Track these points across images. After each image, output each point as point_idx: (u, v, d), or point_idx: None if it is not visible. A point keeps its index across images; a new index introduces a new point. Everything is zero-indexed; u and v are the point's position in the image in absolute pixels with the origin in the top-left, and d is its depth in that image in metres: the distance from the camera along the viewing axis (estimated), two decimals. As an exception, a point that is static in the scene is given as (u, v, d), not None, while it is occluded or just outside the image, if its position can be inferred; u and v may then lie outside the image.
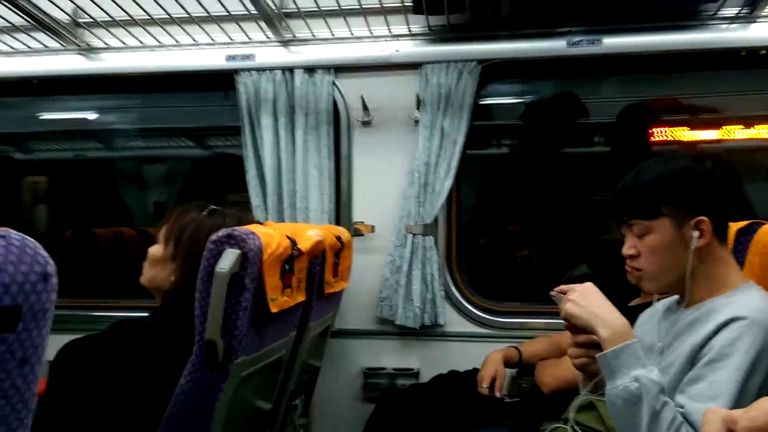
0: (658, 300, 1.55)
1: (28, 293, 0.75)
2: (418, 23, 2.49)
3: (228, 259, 1.38)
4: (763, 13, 2.34)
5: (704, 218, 1.36)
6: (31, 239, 0.80)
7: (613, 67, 2.75)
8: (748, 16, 2.36)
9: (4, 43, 2.67)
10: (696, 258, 1.37)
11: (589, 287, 1.35)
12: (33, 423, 0.84)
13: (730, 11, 2.36)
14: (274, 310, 1.55)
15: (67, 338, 1.51)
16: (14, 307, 0.73)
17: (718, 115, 2.98)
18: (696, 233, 1.36)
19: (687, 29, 2.41)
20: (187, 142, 3.46)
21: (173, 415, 1.43)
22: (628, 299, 2.12)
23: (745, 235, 1.68)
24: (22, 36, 2.64)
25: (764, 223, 1.66)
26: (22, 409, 0.78)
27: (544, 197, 3.11)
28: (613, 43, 2.43)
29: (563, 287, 1.40)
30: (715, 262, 1.41)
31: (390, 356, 2.64)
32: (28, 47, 2.69)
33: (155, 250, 1.67)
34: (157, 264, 1.65)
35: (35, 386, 0.80)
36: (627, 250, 1.44)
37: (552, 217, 3.12)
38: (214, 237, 1.42)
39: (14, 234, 0.78)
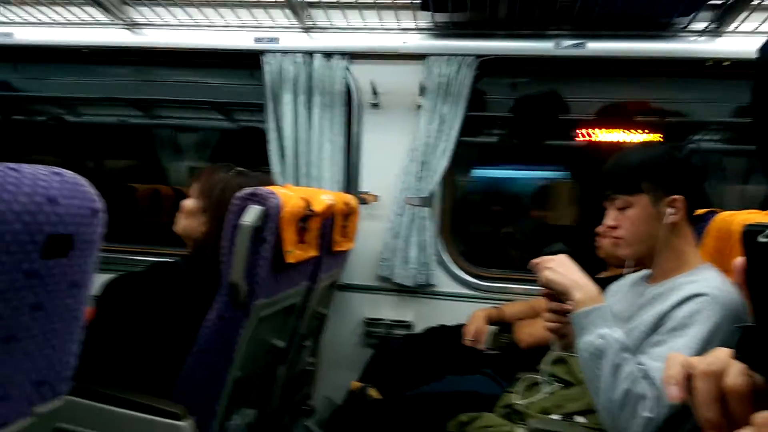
0: (628, 273, 1.54)
1: (79, 225, 0.73)
2: (424, 19, 2.44)
3: (251, 214, 1.37)
4: (728, 29, 2.31)
5: (678, 197, 1.35)
6: (83, 178, 0.77)
7: (594, 69, 2.71)
8: (715, 31, 2.33)
9: (59, 14, 2.60)
10: (668, 231, 1.36)
11: (565, 258, 1.35)
12: (81, 345, 0.83)
13: (699, 25, 2.32)
14: (289, 260, 1.54)
15: (110, 276, 1.50)
16: (67, 235, 0.71)
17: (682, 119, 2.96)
18: (670, 210, 1.35)
19: (661, 39, 2.38)
20: (216, 115, 3.41)
21: (202, 344, 1.42)
22: (597, 272, 2.12)
23: (702, 221, 1.69)
24: (75, 9, 2.57)
25: (718, 212, 1.66)
26: (72, 325, 0.77)
27: (526, 183, 3.10)
28: (596, 47, 2.39)
29: (539, 259, 1.38)
30: (683, 239, 1.40)
31: (388, 309, 2.63)
32: (80, 20, 2.62)
33: (188, 203, 1.64)
34: (189, 215, 1.63)
35: (84, 307, 0.79)
36: (608, 221, 1.42)
37: (533, 200, 3.11)
38: (239, 194, 1.41)
39: (68, 173, 0.75)
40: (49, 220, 0.68)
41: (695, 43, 2.36)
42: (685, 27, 2.33)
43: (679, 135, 2.94)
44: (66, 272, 0.72)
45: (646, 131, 2.95)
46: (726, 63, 2.39)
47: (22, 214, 0.64)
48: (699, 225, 1.71)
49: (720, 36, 2.33)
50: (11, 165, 0.67)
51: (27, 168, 0.68)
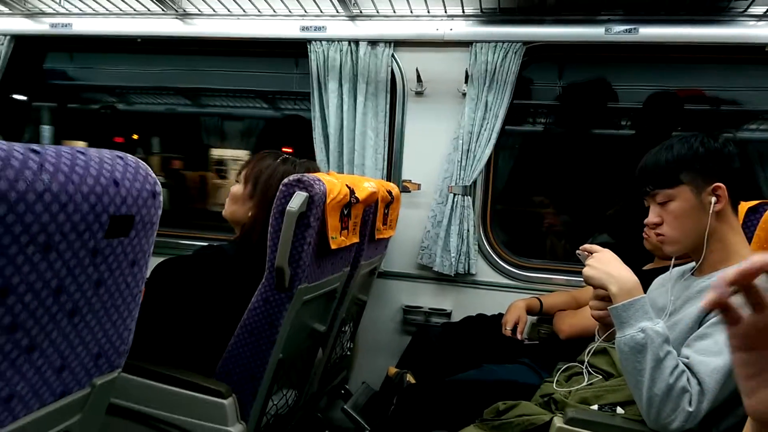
0: (675, 266, 1.51)
1: (140, 206, 0.78)
2: (471, 5, 2.42)
3: (297, 200, 1.40)
4: (789, 13, 2.21)
5: (720, 184, 1.33)
6: (144, 162, 0.82)
7: (646, 55, 2.64)
8: (776, 14, 2.24)
9: (114, 5, 2.71)
10: (714, 221, 1.34)
11: (606, 253, 1.36)
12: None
13: (759, 9, 2.23)
14: (333, 246, 1.57)
15: (159, 260, 1.56)
16: (129, 216, 0.76)
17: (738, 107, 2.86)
18: (713, 198, 1.33)
19: (718, 24, 2.30)
20: (262, 103, 3.48)
21: (246, 326, 1.48)
22: (643, 264, 2.08)
23: (755, 213, 1.66)
24: (130, 0, 2.67)
25: (773, 203, 1.62)
26: (131, 302, 0.82)
27: (572, 172, 3.05)
28: (649, 32, 2.33)
29: (587, 246, 1.39)
30: (730, 228, 1.37)
31: (427, 297, 2.65)
32: (134, 10, 2.73)
33: (236, 189, 1.70)
34: (237, 201, 1.68)
35: (142, 285, 0.84)
36: (651, 218, 1.41)
37: (579, 190, 3.07)
38: (286, 181, 1.44)
39: (130, 157, 0.80)
40: (113, 202, 0.73)
41: (754, 27, 2.28)
42: (744, 11, 2.25)
43: (735, 124, 2.84)
44: (127, 251, 0.78)
45: (698, 120, 2.87)
46: (786, 48, 2.30)
47: (89, 196, 0.69)
48: (753, 216, 1.67)
49: (781, 20, 2.24)
50: (80, 149, 0.72)
51: (93, 152, 0.73)
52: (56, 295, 0.68)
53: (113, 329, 0.81)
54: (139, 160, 0.80)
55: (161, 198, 0.82)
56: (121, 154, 0.78)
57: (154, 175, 0.82)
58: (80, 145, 2.90)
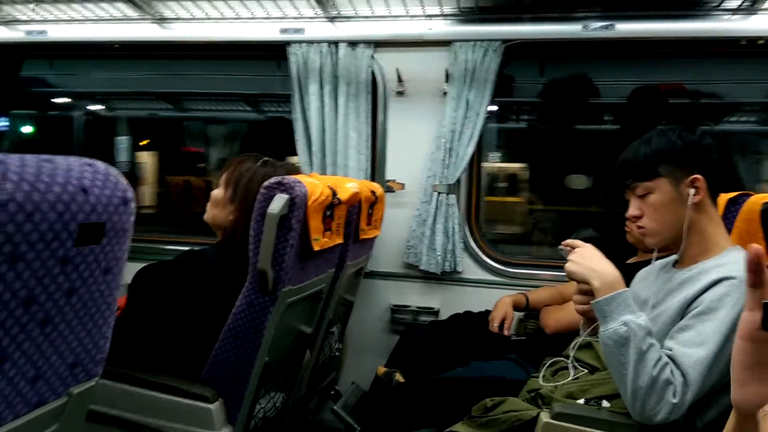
0: (657, 259, 1.52)
1: (111, 213, 0.77)
2: (450, 4, 2.42)
3: (278, 203, 1.40)
4: (763, 6, 2.23)
5: (699, 176, 1.34)
6: (114, 168, 0.81)
7: (624, 51, 2.66)
8: (749, 8, 2.25)
9: (90, 11, 2.67)
10: (693, 212, 1.34)
11: (588, 248, 1.36)
12: (115, 332, 0.87)
13: (732, 3, 2.24)
14: (316, 248, 1.57)
15: (141, 265, 1.55)
16: (99, 223, 0.74)
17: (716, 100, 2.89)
18: (692, 190, 1.33)
19: (693, 18, 2.31)
20: (244, 107, 3.46)
21: (231, 330, 1.46)
22: (627, 257, 2.09)
23: (735, 204, 1.68)
24: (106, 5, 2.63)
25: (752, 194, 1.63)
26: (105, 310, 0.80)
27: (556, 168, 3.06)
28: (626, 28, 2.34)
29: (570, 241, 1.40)
30: (709, 219, 1.38)
31: (414, 296, 2.65)
32: (111, 16, 2.70)
33: (217, 193, 1.68)
34: (218, 205, 1.67)
35: (116, 293, 0.82)
36: (632, 211, 1.41)
37: (563, 186, 3.08)
38: (266, 183, 1.43)
39: (100, 163, 0.79)
40: (81, 209, 0.71)
41: (729, 21, 2.30)
42: (718, 5, 2.26)
43: (714, 117, 2.87)
44: (99, 259, 0.76)
45: (679, 114, 2.89)
46: (761, 42, 2.32)
47: (56, 204, 0.67)
48: (733, 208, 1.68)
49: (755, 14, 2.26)
50: (45, 156, 0.70)
51: (60, 159, 0.72)
52: (26, 305, 0.66)
53: (88, 338, 0.79)
54: (110, 166, 0.79)
55: (133, 204, 0.80)
56: (89, 160, 0.76)
57: (125, 181, 0.80)
58: (146, 156, 2.88)
